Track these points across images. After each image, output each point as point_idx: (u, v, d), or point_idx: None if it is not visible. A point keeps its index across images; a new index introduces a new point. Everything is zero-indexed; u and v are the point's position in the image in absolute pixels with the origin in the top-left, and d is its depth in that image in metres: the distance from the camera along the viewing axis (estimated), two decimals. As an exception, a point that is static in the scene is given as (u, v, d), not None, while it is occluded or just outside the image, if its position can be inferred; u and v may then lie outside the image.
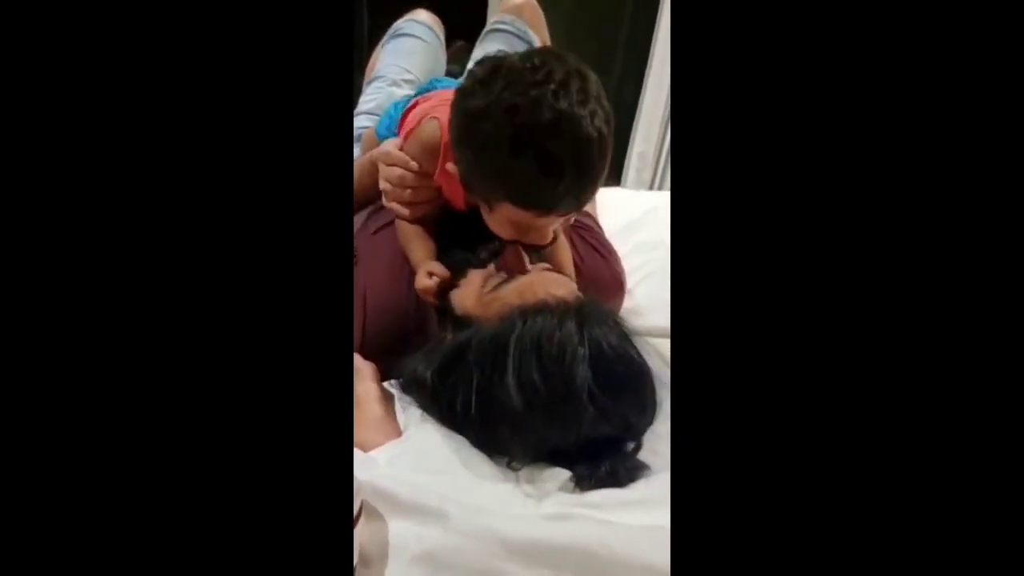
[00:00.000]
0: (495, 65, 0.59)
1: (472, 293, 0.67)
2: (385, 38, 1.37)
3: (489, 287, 0.66)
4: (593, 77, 0.58)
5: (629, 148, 2.05)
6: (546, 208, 0.60)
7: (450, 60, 3.10)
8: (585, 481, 0.56)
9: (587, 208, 0.98)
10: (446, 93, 0.78)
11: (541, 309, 0.58)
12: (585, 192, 0.60)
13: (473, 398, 0.56)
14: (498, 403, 0.56)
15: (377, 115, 1.20)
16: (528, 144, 0.55)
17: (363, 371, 0.69)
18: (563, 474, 0.57)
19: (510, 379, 0.55)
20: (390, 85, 1.26)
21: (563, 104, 0.54)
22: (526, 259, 0.67)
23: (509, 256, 0.67)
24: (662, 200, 1.23)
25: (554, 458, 0.58)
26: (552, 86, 0.55)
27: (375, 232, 0.85)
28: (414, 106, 0.87)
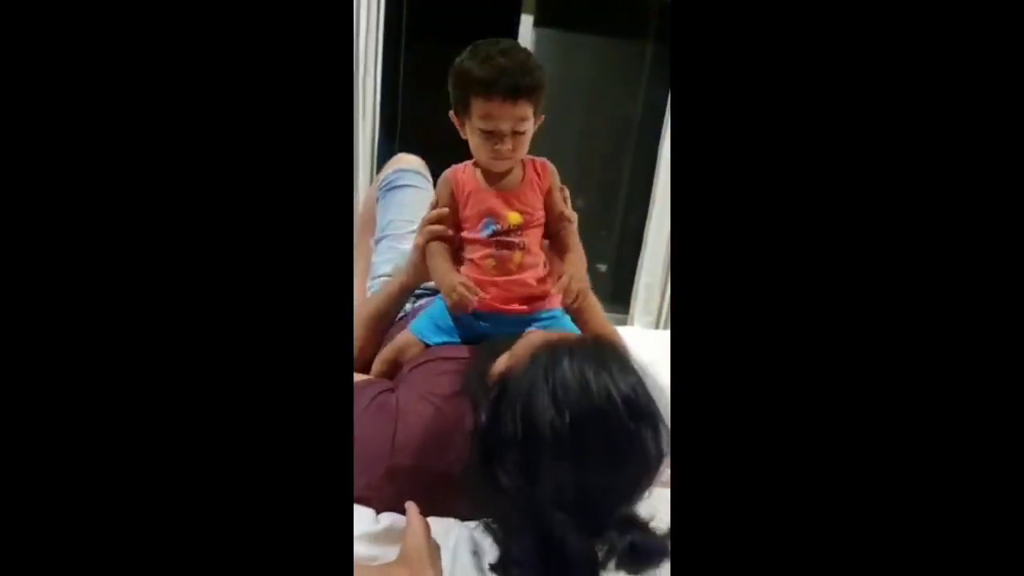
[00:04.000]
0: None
1: (502, 359, 0.77)
2: (378, 193, 1.47)
3: (516, 343, 0.77)
4: (523, 48, 0.91)
5: (636, 279, 2.17)
6: (492, 89, 0.85)
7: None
8: (611, 553, 0.61)
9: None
10: None
11: (565, 342, 0.70)
12: (516, 87, 0.86)
13: (518, 426, 0.65)
14: (537, 429, 0.63)
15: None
16: (480, 54, 0.87)
17: (414, 524, 0.73)
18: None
19: (547, 400, 0.63)
20: (399, 242, 1.36)
21: (504, 47, 0.88)
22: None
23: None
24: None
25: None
26: (498, 42, 0.88)
27: (412, 369, 0.94)
28: None
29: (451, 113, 0.95)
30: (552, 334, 0.81)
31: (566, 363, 0.66)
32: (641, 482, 0.66)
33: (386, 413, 0.84)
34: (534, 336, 0.78)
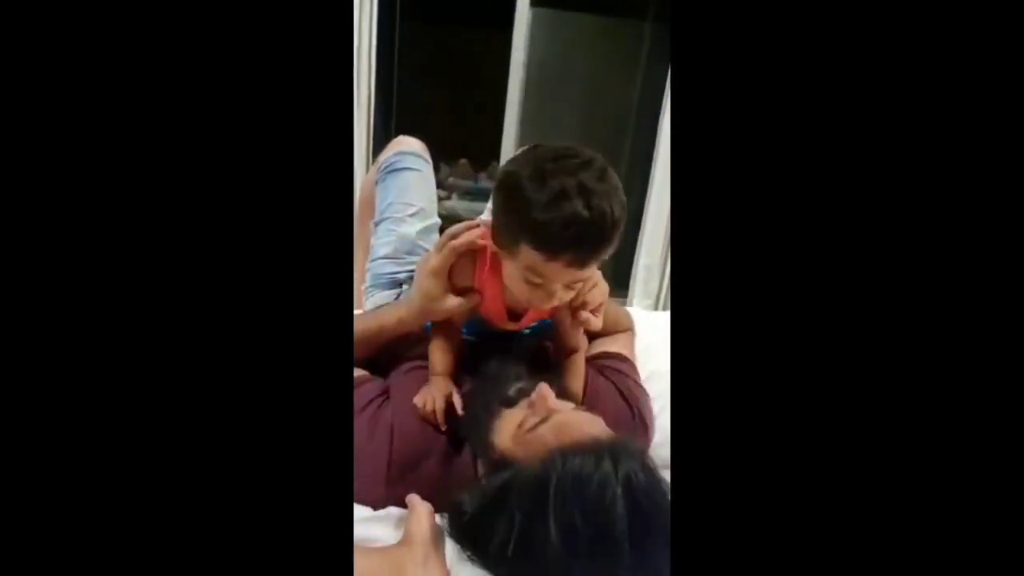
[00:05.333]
0: (533, 145, 0.72)
1: (509, 433, 0.73)
2: (378, 175, 1.45)
3: (527, 427, 0.72)
4: (613, 174, 0.69)
5: (635, 261, 2.17)
6: (556, 248, 0.67)
7: (457, 175, 3.32)
8: None
9: (622, 347, 1.06)
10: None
11: (578, 449, 0.63)
12: (589, 252, 0.68)
13: (513, 539, 0.60)
14: (538, 546, 0.59)
15: (394, 258, 1.31)
16: (552, 185, 0.65)
17: (418, 509, 0.73)
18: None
19: (551, 523, 0.58)
20: (398, 224, 1.35)
21: (585, 175, 0.66)
22: (553, 398, 0.74)
23: (539, 395, 0.74)
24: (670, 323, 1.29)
25: None
26: (578, 160, 0.67)
27: (407, 372, 0.93)
28: None
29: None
30: (567, 428, 0.70)
31: (578, 481, 0.60)
32: None
33: (382, 428, 0.83)
34: (545, 432, 0.70)
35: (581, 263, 0.69)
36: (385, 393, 0.90)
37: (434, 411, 0.82)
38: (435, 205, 1.49)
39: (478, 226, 0.82)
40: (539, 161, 0.68)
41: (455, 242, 0.81)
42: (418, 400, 0.83)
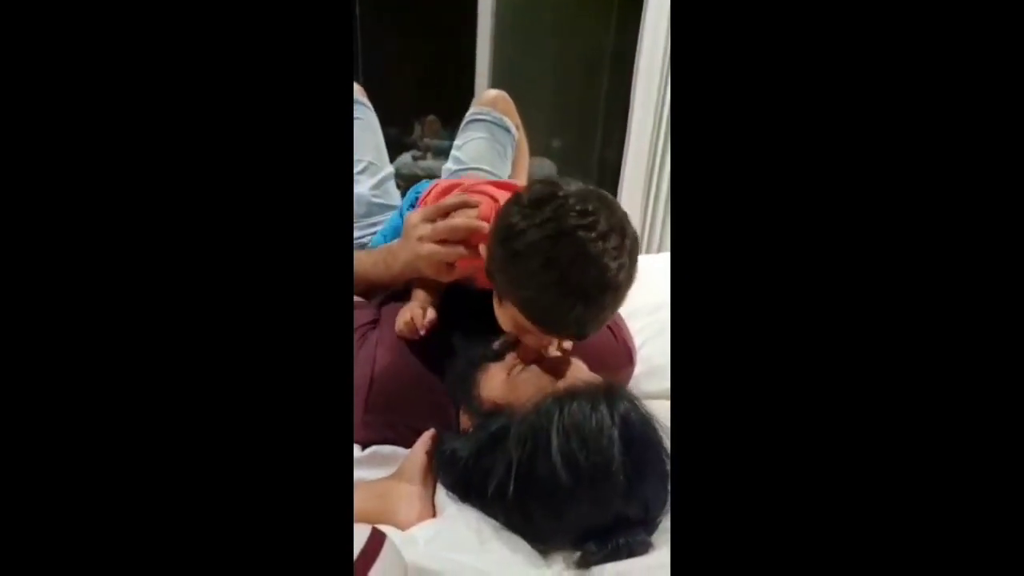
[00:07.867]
0: (551, 193, 0.64)
1: (498, 381, 0.73)
2: None
3: (515, 372, 0.73)
4: (632, 232, 0.64)
5: (615, 211, 2.15)
6: (549, 328, 0.66)
7: (424, 135, 3.26)
8: (592, 556, 0.61)
9: None
10: (472, 179, 0.87)
11: (574, 393, 0.64)
12: (589, 328, 0.65)
13: (512, 479, 0.61)
14: (538, 483, 0.60)
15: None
16: (556, 269, 0.60)
17: (418, 443, 0.73)
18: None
19: (556, 457, 0.59)
20: None
21: (596, 249, 0.60)
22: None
23: (527, 348, 0.74)
24: (653, 263, 1.29)
25: (578, 542, 0.63)
26: (594, 234, 0.60)
27: (396, 304, 0.92)
28: (434, 190, 0.95)
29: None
30: (556, 371, 0.72)
31: (577, 423, 0.61)
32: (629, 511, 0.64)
33: (366, 355, 0.84)
34: (534, 376, 0.71)
35: (579, 339, 0.68)
36: (375, 322, 0.90)
37: (415, 324, 0.80)
38: (384, 152, 1.45)
39: (475, 205, 0.79)
40: (554, 243, 0.61)
41: (454, 224, 0.78)
42: (399, 321, 0.82)
